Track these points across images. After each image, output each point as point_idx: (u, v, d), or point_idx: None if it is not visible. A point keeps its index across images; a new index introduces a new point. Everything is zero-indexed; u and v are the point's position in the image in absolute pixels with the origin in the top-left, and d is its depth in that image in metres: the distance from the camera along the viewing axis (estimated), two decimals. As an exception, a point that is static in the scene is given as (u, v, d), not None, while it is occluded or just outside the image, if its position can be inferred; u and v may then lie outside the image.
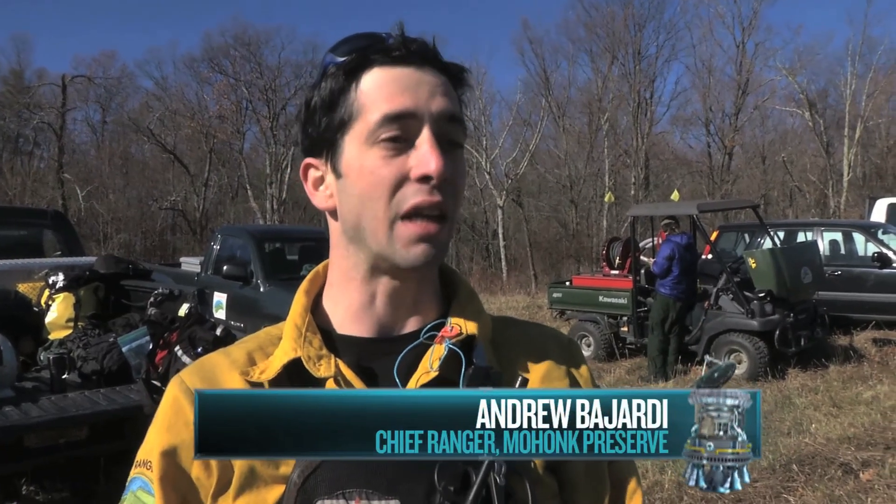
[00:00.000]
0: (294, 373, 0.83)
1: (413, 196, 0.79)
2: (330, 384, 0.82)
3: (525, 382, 0.76)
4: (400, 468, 0.75)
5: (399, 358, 0.83)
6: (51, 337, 5.52)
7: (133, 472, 0.84)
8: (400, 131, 0.79)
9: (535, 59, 32.49)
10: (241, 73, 33.34)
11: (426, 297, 0.90)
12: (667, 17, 34.37)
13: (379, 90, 0.80)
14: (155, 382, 4.32)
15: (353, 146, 0.81)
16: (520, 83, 33.98)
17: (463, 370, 0.80)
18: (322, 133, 0.83)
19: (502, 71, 64.15)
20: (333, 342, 0.87)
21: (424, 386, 0.81)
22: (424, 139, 0.79)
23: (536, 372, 0.89)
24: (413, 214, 0.80)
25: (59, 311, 5.63)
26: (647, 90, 32.28)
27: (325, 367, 0.82)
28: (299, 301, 0.90)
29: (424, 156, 0.78)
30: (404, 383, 0.82)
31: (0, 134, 34.16)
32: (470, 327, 0.87)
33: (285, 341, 0.86)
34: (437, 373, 0.81)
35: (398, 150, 0.79)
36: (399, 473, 0.75)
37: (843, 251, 11.15)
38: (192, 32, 68.54)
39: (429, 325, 0.87)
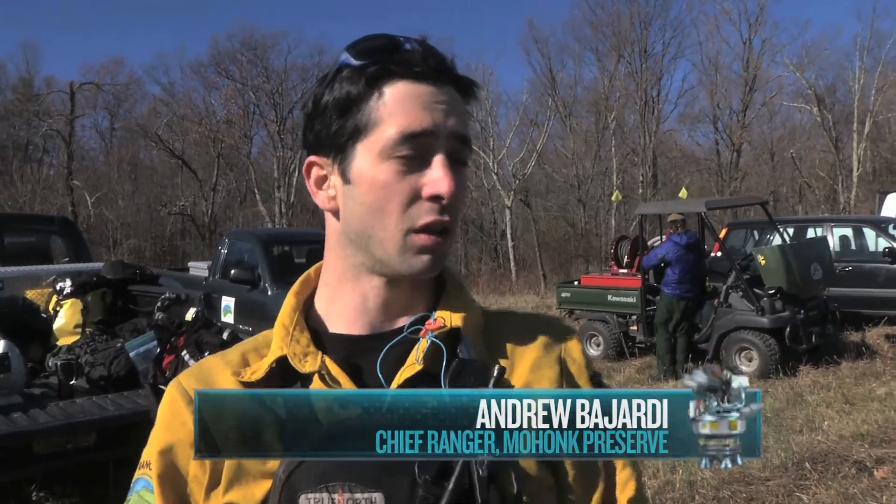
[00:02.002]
0: (282, 370, 0.84)
1: (426, 214, 0.81)
2: (315, 380, 0.83)
3: (502, 371, 0.76)
4: (383, 461, 0.75)
5: (382, 353, 0.84)
6: (59, 343, 5.54)
7: (137, 474, 0.87)
8: (414, 149, 0.80)
9: (541, 59, 32.55)
10: (248, 78, 33.58)
11: (419, 295, 0.90)
12: (672, 14, 34.31)
13: (398, 105, 0.80)
14: (162, 387, 4.31)
15: (366, 157, 0.82)
16: (526, 83, 34.00)
17: (444, 363, 0.80)
18: (332, 135, 0.83)
19: (508, 71, 64.21)
20: (322, 341, 0.88)
21: (409, 380, 0.81)
22: (438, 161, 0.81)
23: (526, 360, 0.88)
24: (422, 229, 0.82)
25: (66, 317, 5.65)
26: (654, 88, 32.25)
27: (310, 363, 0.83)
28: (288, 303, 0.92)
29: (438, 177, 0.80)
30: (390, 378, 0.82)
31: (10, 142, 34.42)
32: (455, 319, 0.86)
33: (274, 341, 0.88)
34: (421, 366, 0.82)
35: (411, 166, 0.81)
36: (382, 466, 0.75)
37: (853, 247, 11.07)
38: (199, 37, 68.77)
39: (412, 319, 0.87)
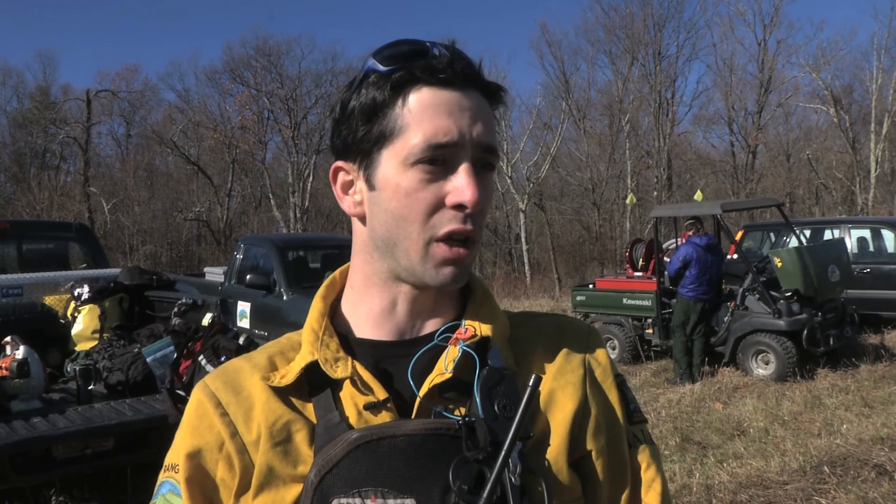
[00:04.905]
0: (312, 375, 0.84)
1: (448, 223, 0.81)
2: (347, 385, 0.83)
3: (538, 381, 0.76)
4: (415, 467, 0.75)
5: (413, 360, 0.84)
6: (77, 348, 5.60)
7: (161, 476, 0.87)
8: (439, 157, 0.80)
9: (554, 63, 32.48)
10: (263, 84, 33.71)
11: (445, 301, 0.90)
12: (686, 16, 34.34)
13: (424, 112, 0.80)
14: (179, 392, 4.35)
15: (391, 163, 0.81)
16: (539, 87, 33.97)
17: (477, 372, 0.80)
18: (358, 141, 0.83)
19: (522, 75, 64.11)
20: (351, 345, 0.88)
21: (438, 386, 0.82)
22: (463, 170, 0.80)
23: (551, 367, 0.89)
24: (444, 239, 0.81)
25: (84, 323, 5.70)
26: (668, 90, 32.09)
27: (341, 369, 0.83)
28: (316, 306, 0.91)
29: (462, 186, 0.80)
30: (419, 385, 0.82)
31: (27, 149, 34.79)
32: (484, 329, 0.87)
33: (303, 346, 0.88)
34: (451, 374, 0.82)
35: (436, 173, 0.80)
36: (414, 472, 0.75)
37: (871, 248, 10.97)
38: (213, 44, 69.35)
39: (443, 328, 0.88)
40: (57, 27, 55.24)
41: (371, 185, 0.84)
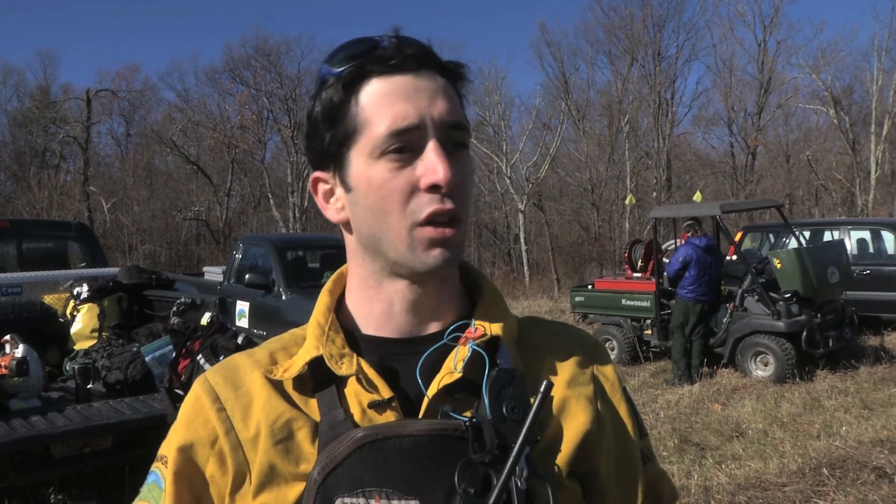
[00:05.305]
0: (315, 371, 0.83)
1: (427, 206, 0.79)
2: (352, 382, 0.82)
3: (550, 387, 0.75)
4: (420, 468, 0.75)
5: (422, 358, 0.82)
6: (76, 347, 5.60)
7: (152, 467, 0.87)
8: (405, 142, 0.79)
9: (553, 63, 32.52)
10: (262, 84, 33.73)
11: (447, 298, 0.89)
12: (686, 16, 34.32)
13: (379, 102, 0.79)
14: (178, 391, 4.35)
15: (360, 160, 0.81)
16: (539, 87, 33.96)
17: (486, 372, 0.79)
18: (326, 147, 0.83)
19: (521, 75, 64.24)
20: (356, 342, 0.87)
21: (447, 387, 0.81)
22: (430, 148, 0.79)
23: (562, 375, 0.88)
24: (427, 222, 0.80)
25: (83, 322, 5.70)
26: (668, 91, 32.12)
27: (346, 366, 0.82)
28: (323, 301, 0.91)
29: (432, 165, 0.78)
30: (427, 384, 0.81)
31: (27, 148, 34.80)
32: (494, 328, 0.85)
33: (308, 340, 0.87)
34: (460, 374, 0.81)
35: (404, 160, 0.79)
36: (420, 474, 0.75)
37: (871, 250, 10.96)
38: (213, 44, 69.38)
39: (452, 326, 0.86)
40: (57, 27, 55.35)
41: (347, 187, 0.83)
